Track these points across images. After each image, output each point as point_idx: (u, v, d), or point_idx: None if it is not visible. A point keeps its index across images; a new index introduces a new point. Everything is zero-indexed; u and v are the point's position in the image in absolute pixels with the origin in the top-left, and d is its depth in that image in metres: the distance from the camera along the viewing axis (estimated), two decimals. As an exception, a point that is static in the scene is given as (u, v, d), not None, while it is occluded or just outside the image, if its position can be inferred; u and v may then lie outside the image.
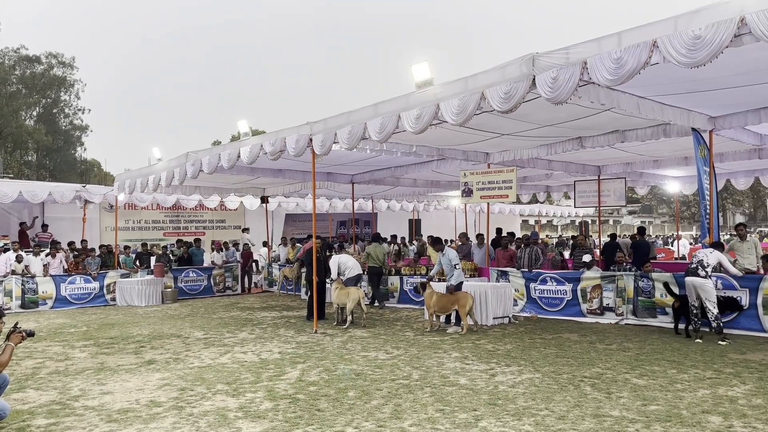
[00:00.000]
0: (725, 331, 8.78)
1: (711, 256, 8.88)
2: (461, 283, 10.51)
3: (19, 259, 14.90)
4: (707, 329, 8.87)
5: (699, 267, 8.81)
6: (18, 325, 5.64)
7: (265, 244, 19.94)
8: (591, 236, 22.96)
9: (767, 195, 51.50)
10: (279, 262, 18.17)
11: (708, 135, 10.14)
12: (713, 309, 8.70)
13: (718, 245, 9.39)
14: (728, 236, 23.97)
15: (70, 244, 17.07)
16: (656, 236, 34.78)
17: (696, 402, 5.67)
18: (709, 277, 8.80)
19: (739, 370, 6.86)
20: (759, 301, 9.09)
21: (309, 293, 11.77)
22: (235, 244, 19.17)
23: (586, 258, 12.05)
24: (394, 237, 20.32)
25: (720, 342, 8.46)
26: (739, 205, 58.87)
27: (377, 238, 14.84)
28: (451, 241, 19.32)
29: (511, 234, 17.66)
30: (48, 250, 15.64)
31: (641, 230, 15.93)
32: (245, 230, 19.99)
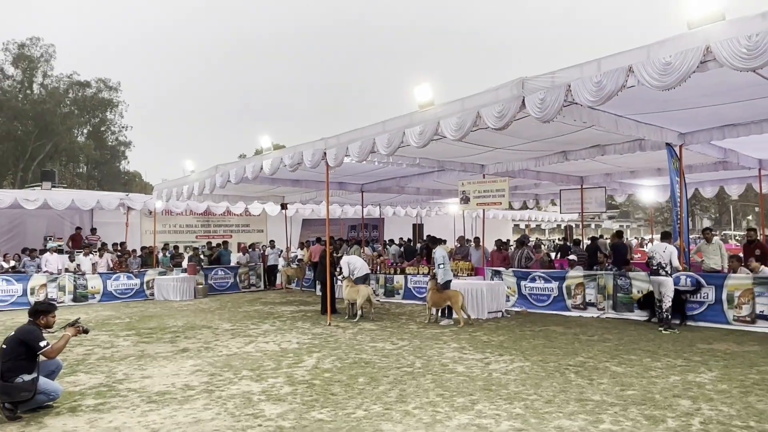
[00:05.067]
0: (690, 323, 9.03)
1: (665, 254, 8.98)
2: (449, 281, 10.37)
3: (71, 259, 15.05)
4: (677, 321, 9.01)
5: (659, 268, 8.96)
6: (79, 320, 5.68)
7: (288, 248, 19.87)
8: (575, 239, 22.76)
9: (731, 202, 51.07)
10: (294, 263, 18.15)
11: (679, 149, 10.11)
12: (667, 302, 8.88)
13: (667, 236, 9.62)
14: (696, 238, 23.76)
15: (115, 245, 17.18)
16: (634, 237, 34.50)
17: (668, 387, 5.62)
18: (669, 275, 8.97)
19: (706, 359, 6.81)
20: (724, 296, 9.05)
21: (322, 290, 11.78)
22: (261, 248, 19.17)
23: (572, 257, 12.04)
24: (401, 239, 20.26)
25: (663, 331, 8.63)
26: (706, 211, 58.44)
27: (358, 242, 14.75)
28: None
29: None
30: (97, 250, 15.80)
31: (619, 234, 15.79)
32: (271, 242, 19.77)
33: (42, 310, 5.51)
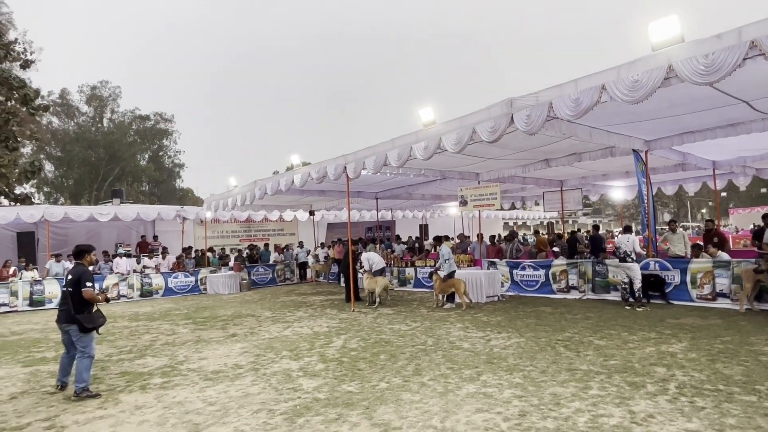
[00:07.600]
0: (659, 301, 8.78)
1: (628, 244, 8.86)
2: (453, 272, 10.20)
3: (138, 261, 15.14)
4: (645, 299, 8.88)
5: (626, 256, 8.83)
6: (109, 296, 5.75)
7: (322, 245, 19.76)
8: (557, 233, 22.49)
9: (687, 198, 50.26)
10: (320, 261, 18.07)
11: (644, 154, 9.91)
12: (638, 284, 8.74)
13: (628, 229, 9.51)
14: (661, 229, 23.38)
15: (182, 250, 17.20)
16: (606, 231, 34.01)
17: (645, 357, 5.48)
18: (635, 260, 8.84)
19: (676, 332, 6.65)
20: (687, 278, 8.85)
21: (346, 282, 11.70)
22: (293, 249, 19.13)
23: (556, 249, 11.85)
24: (410, 238, 20.14)
25: (637, 308, 8.44)
26: (666, 206, 57.50)
27: (374, 241, 14.65)
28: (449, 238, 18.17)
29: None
30: (159, 254, 15.88)
31: (596, 227, 15.54)
32: (300, 243, 19.73)
33: (84, 250, 5.36)
